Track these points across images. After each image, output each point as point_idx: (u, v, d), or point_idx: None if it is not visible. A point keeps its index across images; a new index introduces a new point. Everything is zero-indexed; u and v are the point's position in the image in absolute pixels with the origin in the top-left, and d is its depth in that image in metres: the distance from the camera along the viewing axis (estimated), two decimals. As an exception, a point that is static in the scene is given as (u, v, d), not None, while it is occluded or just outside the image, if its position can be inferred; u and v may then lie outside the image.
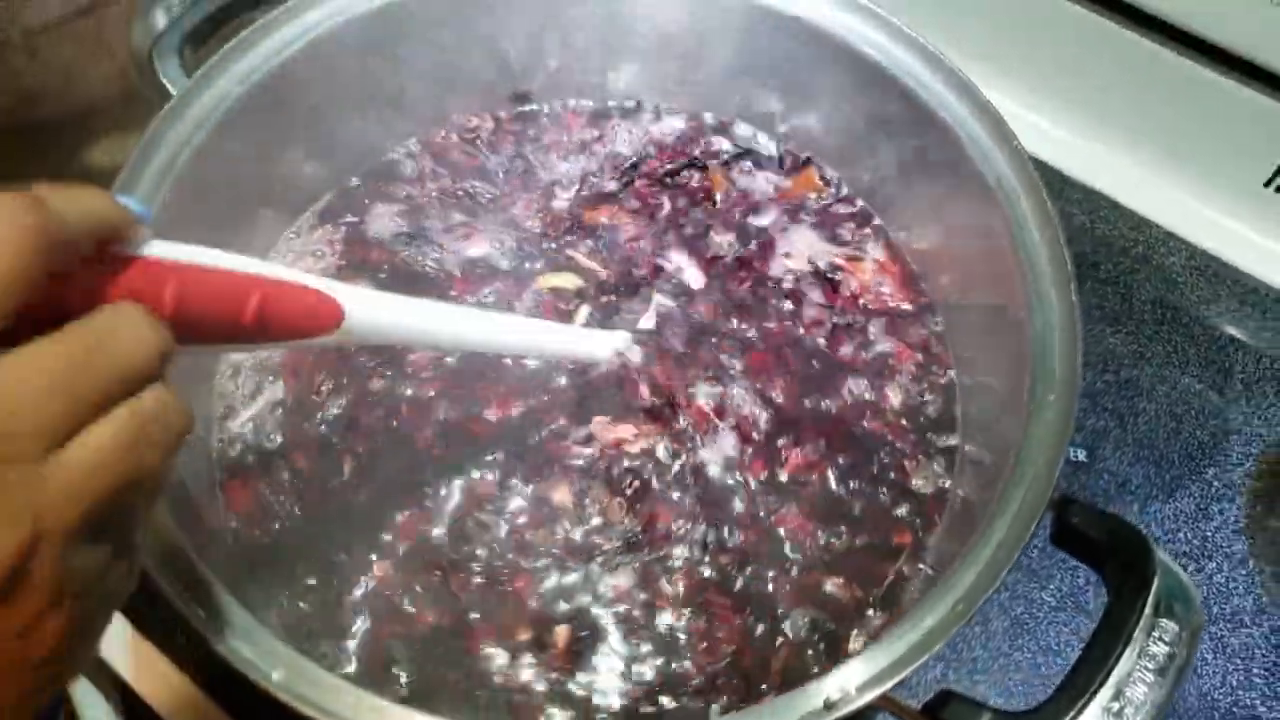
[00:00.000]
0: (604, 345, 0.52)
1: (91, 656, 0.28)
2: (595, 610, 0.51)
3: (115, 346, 0.27)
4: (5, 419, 0.24)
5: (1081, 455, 0.68)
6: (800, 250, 0.63)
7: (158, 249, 0.30)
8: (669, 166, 0.66)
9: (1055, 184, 0.77)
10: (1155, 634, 0.41)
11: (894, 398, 0.58)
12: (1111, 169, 0.79)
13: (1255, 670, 0.62)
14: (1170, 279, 0.76)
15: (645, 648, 0.50)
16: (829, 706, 0.38)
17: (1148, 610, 0.41)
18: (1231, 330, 0.74)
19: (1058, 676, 0.40)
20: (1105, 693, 0.39)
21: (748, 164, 0.67)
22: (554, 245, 0.62)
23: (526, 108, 0.68)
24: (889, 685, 0.38)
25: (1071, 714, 0.39)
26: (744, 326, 0.60)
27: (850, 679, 0.39)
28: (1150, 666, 0.40)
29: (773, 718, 0.38)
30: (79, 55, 0.72)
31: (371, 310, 0.37)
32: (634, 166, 0.66)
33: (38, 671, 0.26)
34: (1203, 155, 0.76)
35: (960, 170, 0.53)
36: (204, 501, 0.52)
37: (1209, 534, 0.66)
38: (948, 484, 0.55)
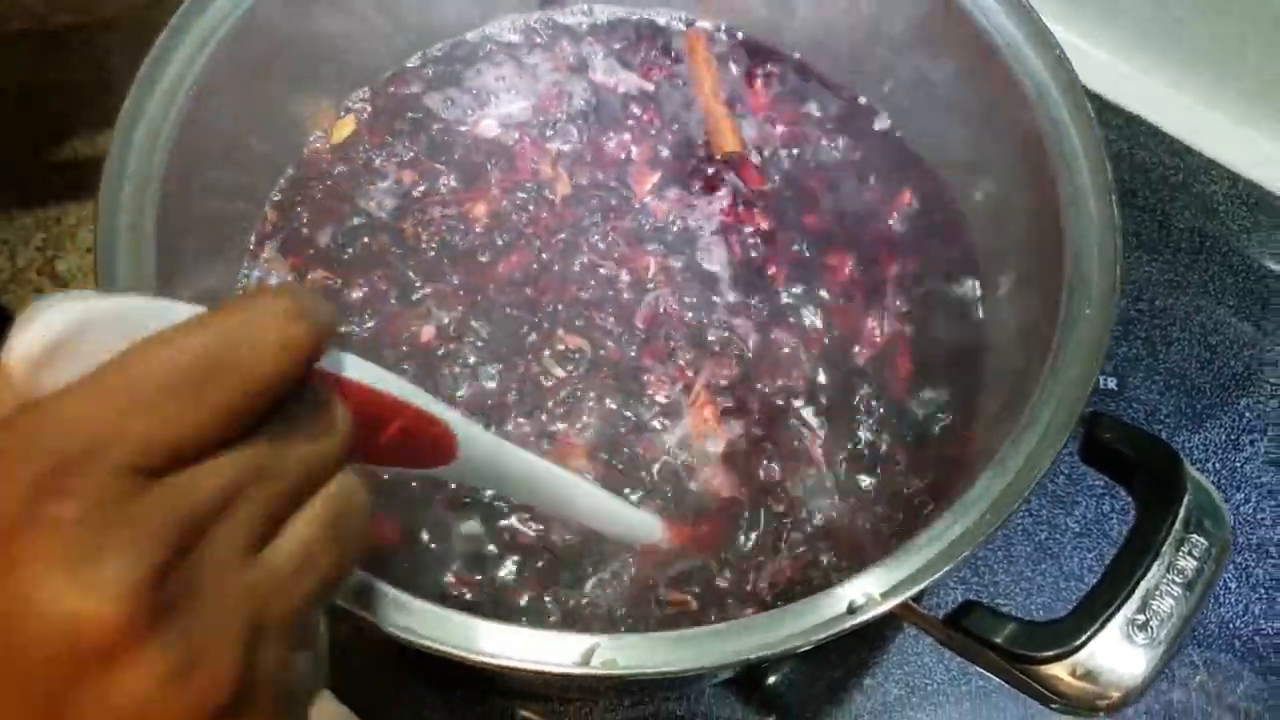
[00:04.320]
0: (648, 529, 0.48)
1: None
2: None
3: (311, 438, 0.25)
4: (200, 523, 0.22)
5: (1112, 383, 0.67)
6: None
7: (346, 365, 0.28)
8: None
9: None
10: (1184, 549, 0.40)
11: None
12: (1150, 93, 0.76)
13: (1280, 601, 0.61)
14: (1210, 208, 0.74)
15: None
16: (853, 610, 0.38)
17: (1178, 525, 0.40)
18: (1271, 262, 0.72)
19: (1081, 601, 0.40)
20: (1131, 604, 0.39)
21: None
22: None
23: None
24: (913, 591, 0.38)
25: (1097, 625, 0.39)
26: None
27: (874, 584, 0.39)
28: (1178, 580, 0.40)
29: (799, 619, 0.38)
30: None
31: (482, 451, 0.36)
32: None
33: None
34: (1248, 77, 0.73)
35: (996, 76, 0.51)
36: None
37: (1238, 465, 0.66)
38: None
